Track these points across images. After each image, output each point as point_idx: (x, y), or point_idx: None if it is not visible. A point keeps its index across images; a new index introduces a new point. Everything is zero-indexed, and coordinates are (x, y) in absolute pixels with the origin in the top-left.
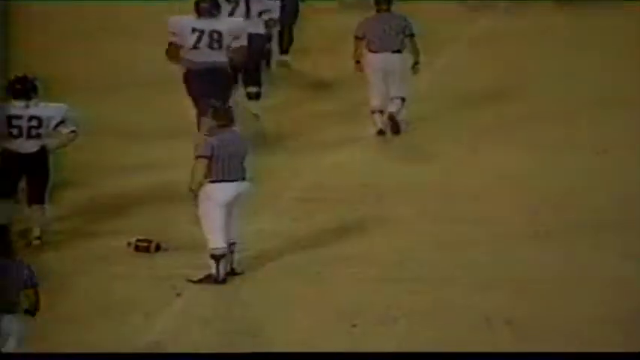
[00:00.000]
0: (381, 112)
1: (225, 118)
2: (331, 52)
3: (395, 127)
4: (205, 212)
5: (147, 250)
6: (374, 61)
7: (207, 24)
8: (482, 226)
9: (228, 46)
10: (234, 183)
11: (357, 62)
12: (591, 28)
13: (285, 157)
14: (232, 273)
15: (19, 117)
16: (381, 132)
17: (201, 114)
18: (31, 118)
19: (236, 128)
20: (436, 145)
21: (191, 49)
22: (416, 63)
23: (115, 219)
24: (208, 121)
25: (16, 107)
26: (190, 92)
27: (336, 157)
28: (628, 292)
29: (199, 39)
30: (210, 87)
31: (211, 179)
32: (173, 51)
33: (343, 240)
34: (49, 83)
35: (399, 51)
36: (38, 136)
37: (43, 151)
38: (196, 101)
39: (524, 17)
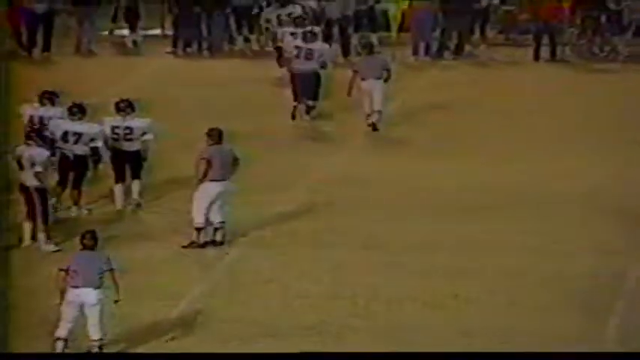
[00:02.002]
0: (368, 115)
1: (216, 137)
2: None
3: (374, 128)
4: (197, 199)
5: None
6: (363, 85)
7: (122, 121)
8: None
9: (138, 138)
10: (221, 182)
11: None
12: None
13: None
14: (213, 243)
15: (118, 127)
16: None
17: None
18: (126, 127)
19: (224, 144)
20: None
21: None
22: (387, 78)
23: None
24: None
25: (117, 119)
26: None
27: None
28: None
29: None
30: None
31: (207, 179)
32: None
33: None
34: None
35: (379, 78)
36: (131, 140)
37: (138, 150)
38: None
39: (457, 70)
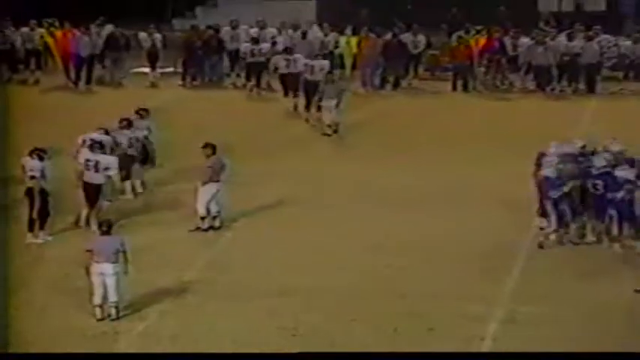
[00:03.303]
0: (329, 126)
1: (211, 150)
2: None
3: (329, 134)
4: (200, 195)
5: None
6: (323, 103)
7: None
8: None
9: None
10: (216, 183)
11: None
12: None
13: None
14: (213, 227)
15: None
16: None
17: None
18: (131, 138)
19: (218, 155)
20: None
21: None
22: (339, 101)
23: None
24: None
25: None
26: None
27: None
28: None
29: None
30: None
31: (206, 181)
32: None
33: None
34: None
35: (333, 98)
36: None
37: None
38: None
39: (395, 98)
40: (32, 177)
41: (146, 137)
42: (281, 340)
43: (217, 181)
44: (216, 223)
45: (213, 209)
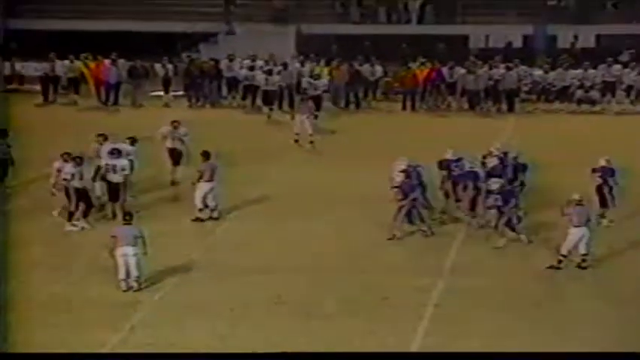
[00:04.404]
0: (297, 134)
1: (207, 156)
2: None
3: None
4: (197, 192)
5: None
6: (297, 117)
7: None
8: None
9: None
10: (210, 182)
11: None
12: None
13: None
14: (211, 219)
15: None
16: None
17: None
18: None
19: (212, 160)
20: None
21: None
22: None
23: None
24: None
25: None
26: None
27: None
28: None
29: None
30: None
31: (202, 181)
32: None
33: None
34: None
35: (305, 114)
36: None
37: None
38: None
39: (357, 115)
40: (65, 179)
41: (182, 142)
42: (269, 306)
43: (211, 180)
44: (215, 214)
45: (212, 203)
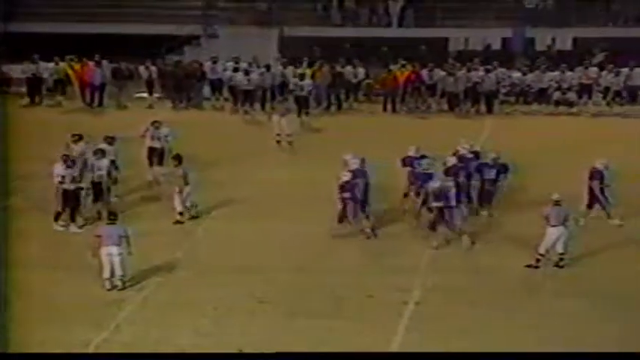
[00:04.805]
0: (279, 134)
1: (178, 161)
2: None
3: (290, 145)
4: (177, 198)
5: None
6: (274, 118)
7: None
8: None
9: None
10: (188, 185)
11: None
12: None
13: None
14: (192, 218)
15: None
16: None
17: None
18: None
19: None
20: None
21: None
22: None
23: None
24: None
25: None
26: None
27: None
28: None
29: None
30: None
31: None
32: None
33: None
34: None
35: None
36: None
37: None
38: None
39: (338, 116)
40: (60, 182)
41: (165, 142)
42: (253, 305)
43: (187, 184)
44: (192, 212)
45: (189, 204)
